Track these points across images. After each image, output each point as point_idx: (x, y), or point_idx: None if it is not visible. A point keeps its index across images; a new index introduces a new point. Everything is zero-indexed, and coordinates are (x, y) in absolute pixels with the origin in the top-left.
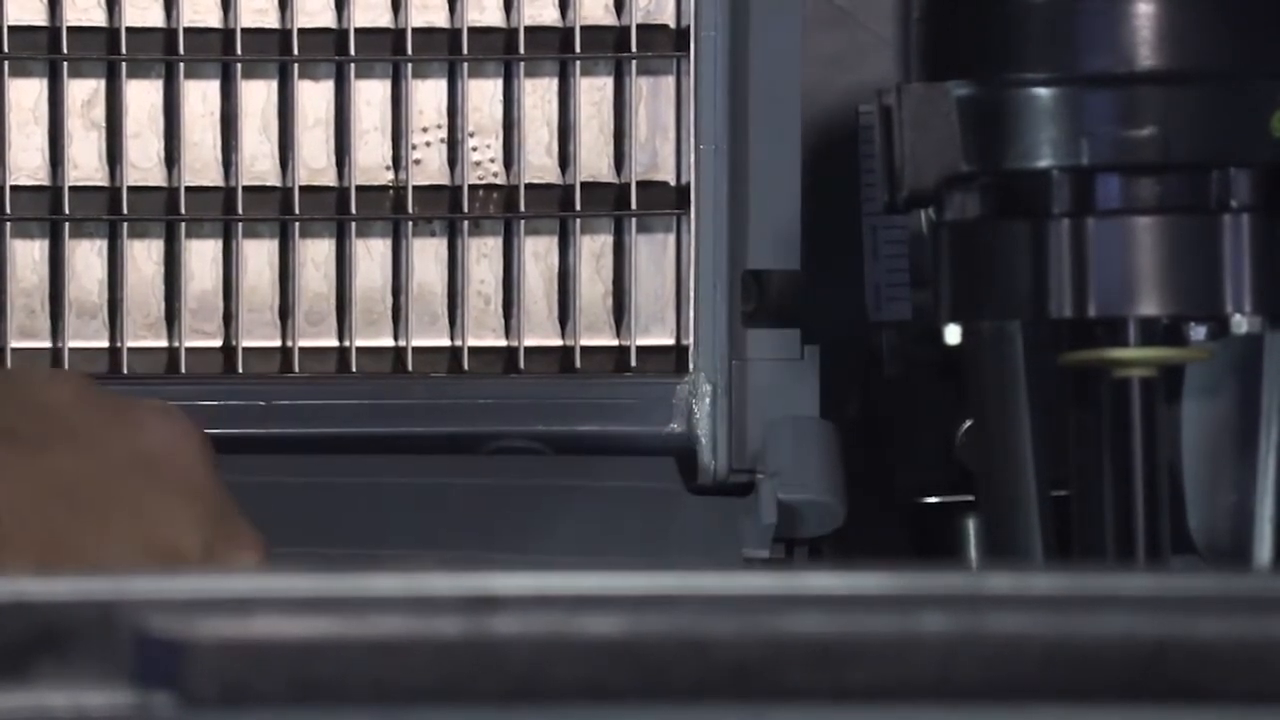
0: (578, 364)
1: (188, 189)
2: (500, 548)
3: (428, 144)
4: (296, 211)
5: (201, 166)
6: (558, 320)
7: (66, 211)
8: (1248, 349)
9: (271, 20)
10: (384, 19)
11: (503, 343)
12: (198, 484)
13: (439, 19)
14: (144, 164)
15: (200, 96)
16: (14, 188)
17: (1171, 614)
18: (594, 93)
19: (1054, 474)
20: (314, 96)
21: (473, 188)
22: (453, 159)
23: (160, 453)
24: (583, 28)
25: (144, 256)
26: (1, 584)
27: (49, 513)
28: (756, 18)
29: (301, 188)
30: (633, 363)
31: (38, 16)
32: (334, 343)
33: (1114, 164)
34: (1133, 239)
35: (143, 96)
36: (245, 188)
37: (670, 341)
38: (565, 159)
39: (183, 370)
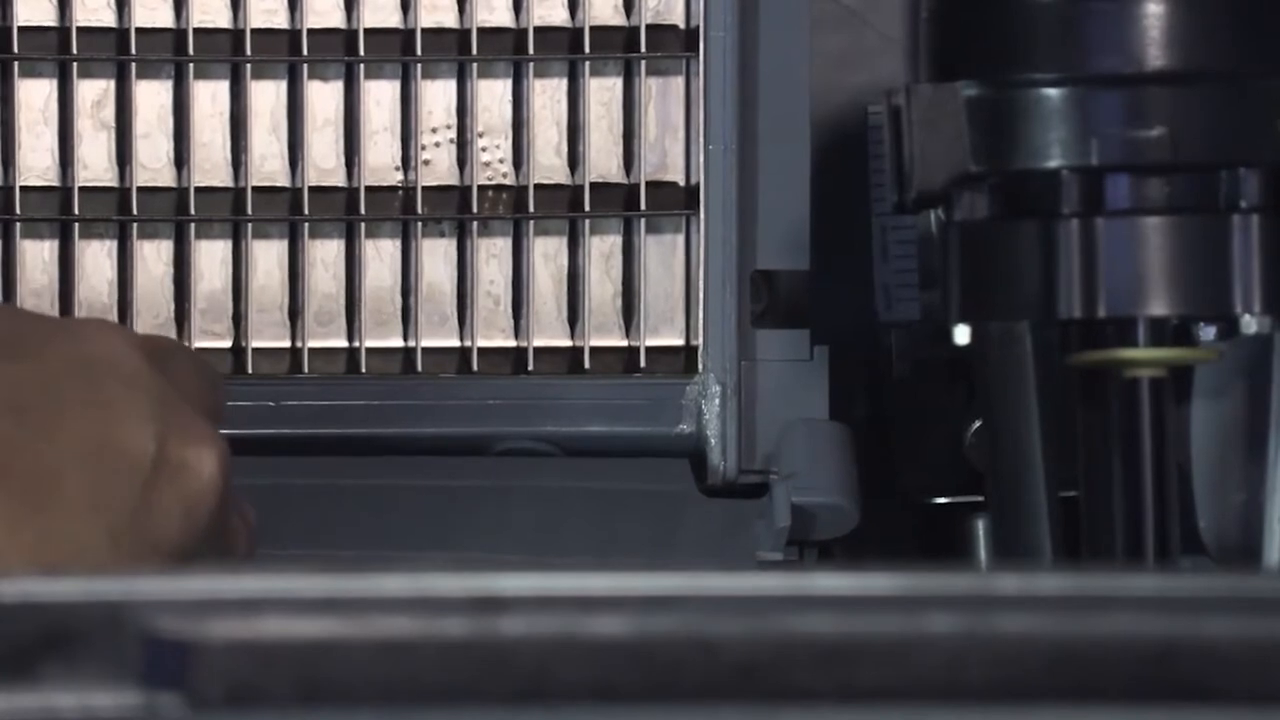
0: (587, 364)
1: (197, 189)
2: (509, 551)
3: (437, 144)
4: (306, 212)
5: (211, 167)
6: (567, 321)
7: (76, 212)
8: (1257, 349)
9: (281, 21)
10: (393, 19)
11: (512, 343)
12: (144, 383)
13: (448, 19)
14: (153, 164)
15: (210, 97)
16: (24, 188)
17: (1180, 614)
18: (603, 93)
19: (1063, 474)
20: (323, 97)
21: (482, 188)
22: (462, 159)
23: (102, 357)
24: (592, 28)
25: (153, 257)
26: (9, 585)
27: None
28: (765, 18)
29: (311, 188)
30: (642, 363)
31: (47, 17)
32: (343, 343)
33: (1123, 164)
34: (1142, 239)
35: (152, 97)
36: (254, 188)
37: (679, 342)
38: (574, 159)
39: None
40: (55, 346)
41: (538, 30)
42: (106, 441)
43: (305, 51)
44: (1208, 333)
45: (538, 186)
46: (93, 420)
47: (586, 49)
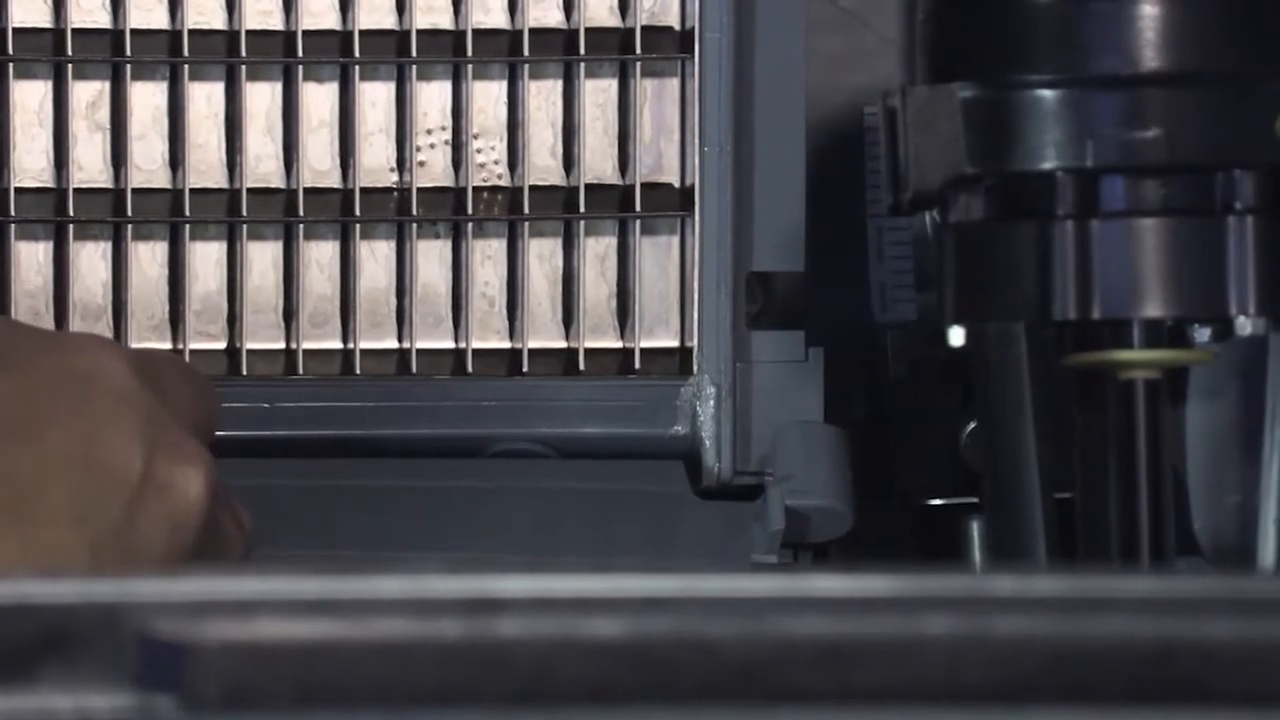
0: (582, 366)
1: (192, 191)
2: (504, 552)
3: (432, 146)
4: (301, 213)
5: (206, 168)
6: (562, 322)
7: (71, 213)
8: (1252, 351)
9: (276, 22)
10: (388, 21)
11: (507, 345)
12: (133, 400)
13: (443, 21)
14: (148, 166)
15: (205, 98)
16: (19, 190)
17: (1176, 616)
18: (598, 94)
19: (1059, 475)
20: (318, 98)
21: (477, 189)
22: (457, 161)
23: (90, 371)
24: (587, 29)
25: (148, 258)
26: (6, 586)
27: None
28: (761, 19)
29: (306, 190)
30: (637, 365)
31: (42, 18)
32: (338, 345)
33: (1118, 166)
34: (1137, 241)
35: (147, 98)
36: (249, 190)
37: (674, 343)
38: (570, 161)
39: None
40: (45, 360)
41: (533, 32)
42: (92, 456)
43: (300, 53)
44: (1203, 334)
45: (533, 188)
46: (79, 435)
47: (581, 50)
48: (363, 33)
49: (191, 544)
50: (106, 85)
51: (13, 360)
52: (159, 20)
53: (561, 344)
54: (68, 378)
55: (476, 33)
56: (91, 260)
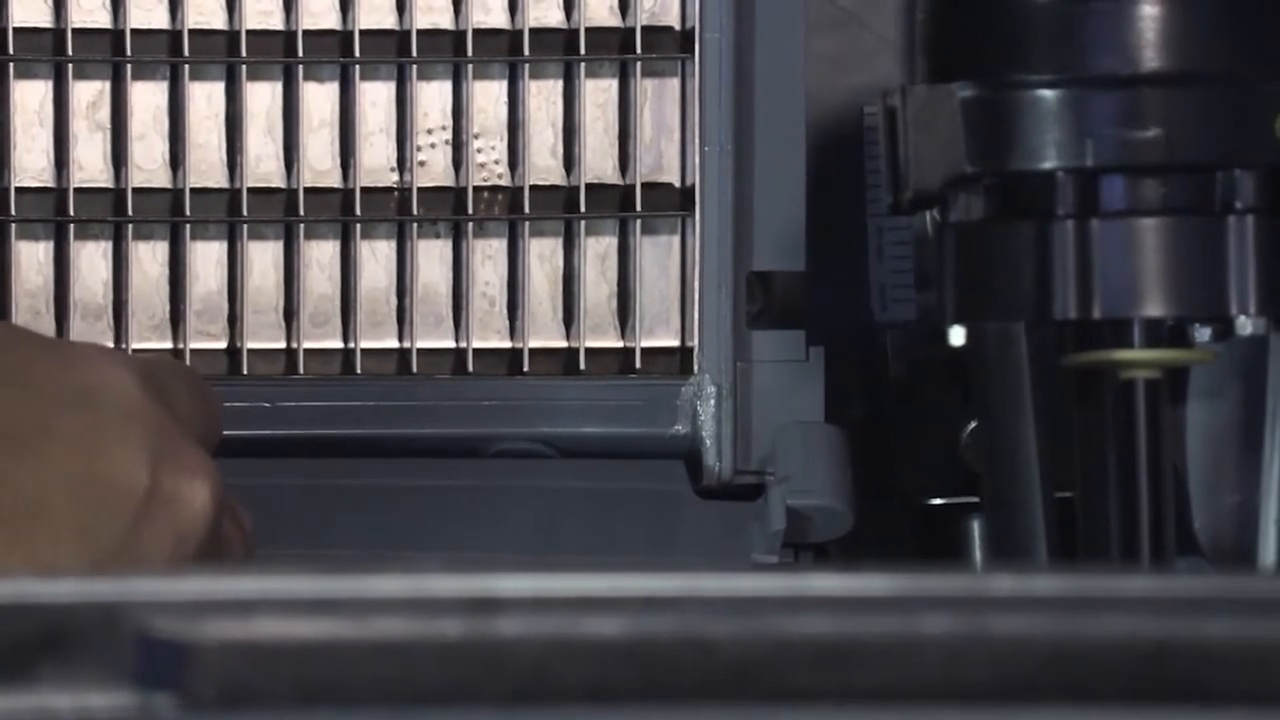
0: (582, 366)
1: (193, 190)
2: (504, 552)
3: (432, 145)
4: (301, 213)
5: (206, 168)
6: (562, 322)
7: (71, 213)
8: (1252, 350)
9: (276, 22)
10: (389, 21)
11: (507, 344)
12: (139, 413)
13: (444, 20)
14: (149, 165)
15: (205, 98)
16: (19, 189)
17: (1175, 615)
18: (599, 94)
19: (1059, 475)
20: (319, 98)
21: (477, 189)
22: (457, 160)
23: (95, 385)
24: (587, 29)
25: (149, 258)
26: (4, 585)
27: None
28: (761, 19)
29: (306, 189)
30: (637, 364)
31: (43, 18)
32: (339, 344)
33: (1118, 165)
34: (1137, 240)
35: (148, 98)
36: (250, 189)
37: (675, 343)
38: (570, 160)
39: None
40: (51, 374)
41: (533, 31)
42: (97, 471)
43: (301, 53)
44: (1203, 334)
45: (533, 188)
46: (84, 450)
47: (582, 50)
48: (363, 32)
49: (196, 556)
50: (107, 85)
51: (17, 374)
52: (159, 20)
53: (562, 343)
54: (73, 392)
55: (477, 32)
56: (92, 260)
